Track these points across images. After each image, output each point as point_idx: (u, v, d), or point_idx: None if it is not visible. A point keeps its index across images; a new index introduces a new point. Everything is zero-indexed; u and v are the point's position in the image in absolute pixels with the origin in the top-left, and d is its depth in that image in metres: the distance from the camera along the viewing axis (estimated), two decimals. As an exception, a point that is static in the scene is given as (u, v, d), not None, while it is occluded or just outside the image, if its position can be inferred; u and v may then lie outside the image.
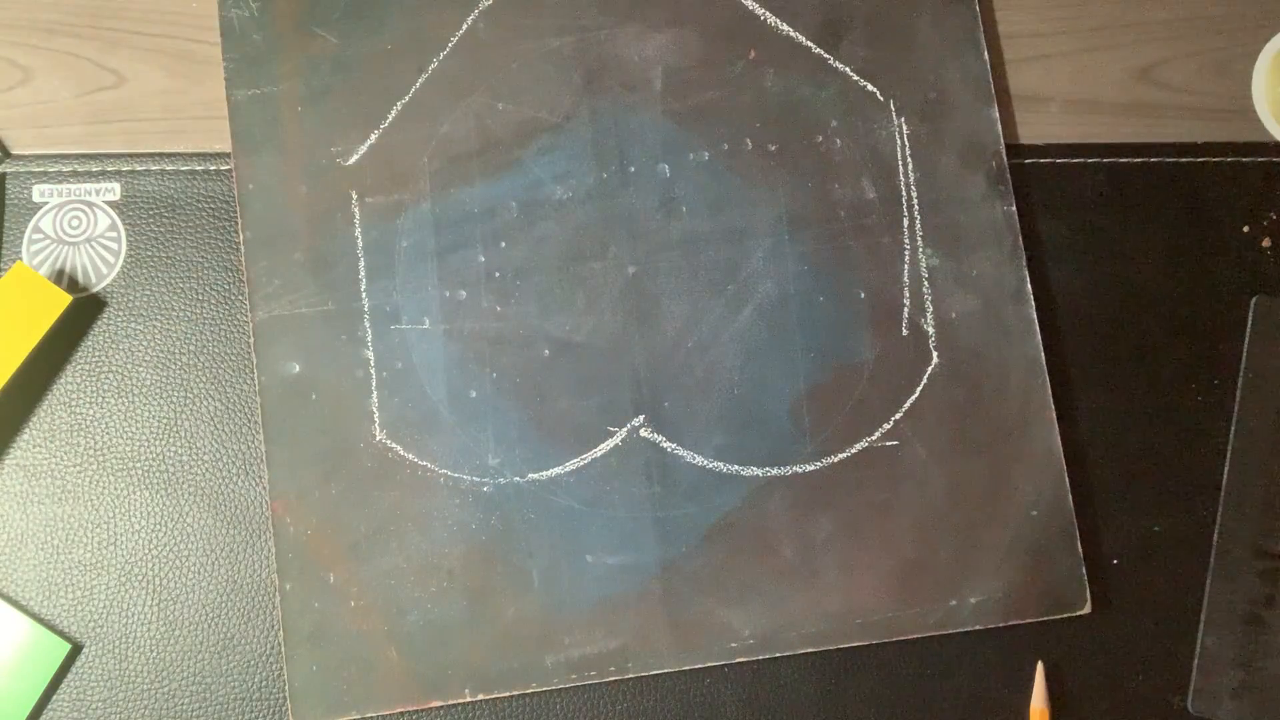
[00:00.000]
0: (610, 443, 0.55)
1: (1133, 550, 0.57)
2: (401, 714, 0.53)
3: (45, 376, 0.55)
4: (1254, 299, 0.59)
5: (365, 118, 0.56)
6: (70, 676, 0.53)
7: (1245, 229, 0.60)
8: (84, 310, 0.56)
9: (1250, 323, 0.59)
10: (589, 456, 0.55)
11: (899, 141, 0.58)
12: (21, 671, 0.52)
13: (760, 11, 0.58)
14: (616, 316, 0.56)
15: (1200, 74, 0.61)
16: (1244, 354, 0.58)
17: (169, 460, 0.55)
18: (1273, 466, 0.57)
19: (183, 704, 0.53)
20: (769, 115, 0.58)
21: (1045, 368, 0.56)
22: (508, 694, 0.53)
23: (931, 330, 0.56)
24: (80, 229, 0.56)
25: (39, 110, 0.57)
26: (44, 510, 0.54)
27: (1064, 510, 0.55)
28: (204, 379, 0.56)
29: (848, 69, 0.58)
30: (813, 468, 0.55)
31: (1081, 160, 0.60)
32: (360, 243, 0.55)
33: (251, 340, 0.55)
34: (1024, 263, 0.57)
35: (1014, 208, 0.58)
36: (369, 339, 0.55)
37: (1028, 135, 0.60)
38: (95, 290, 0.56)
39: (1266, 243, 0.60)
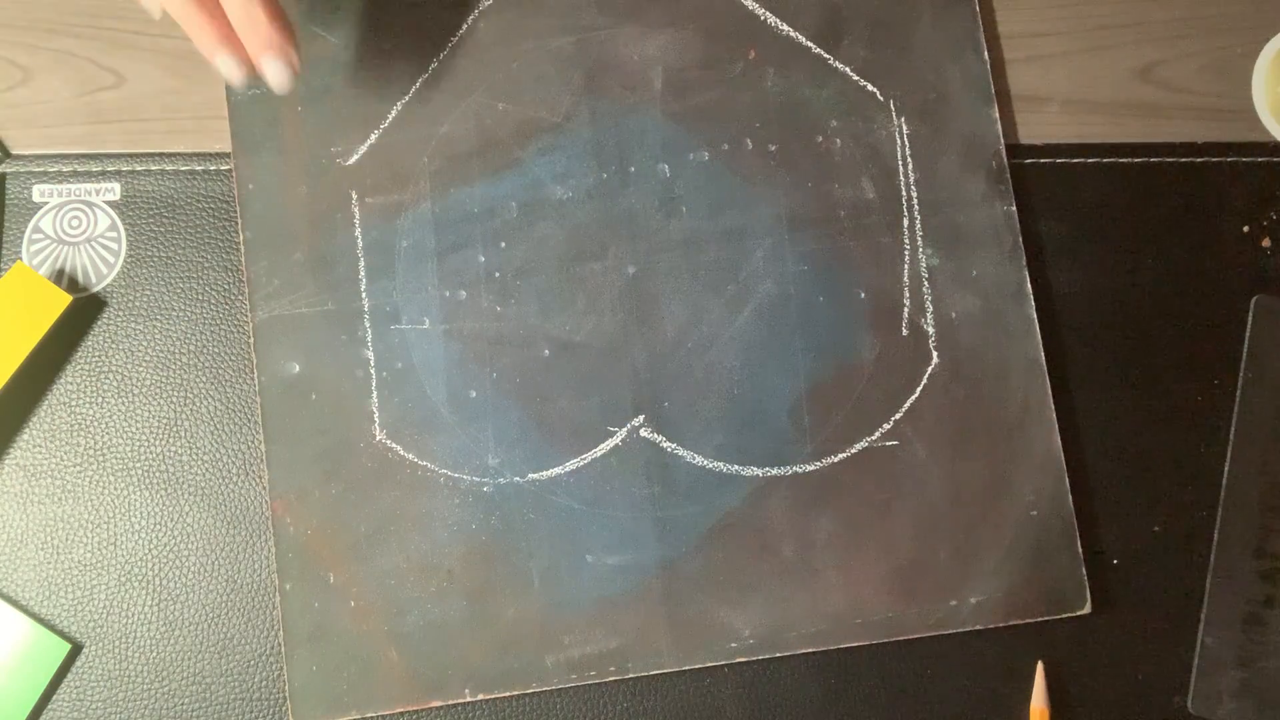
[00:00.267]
0: (610, 443, 0.55)
1: (1133, 550, 0.57)
2: (401, 714, 0.53)
3: (45, 376, 0.55)
4: (1254, 299, 0.59)
5: (365, 118, 0.56)
6: (70, 676, 0.53)
7: (1245, 229, 0.60)
8: (84, 310, 0.56)
9: (1250, 322, 0.59)
10: (589, 456, 0.55)
11: (899, 141, 0.58)
12: (21, 671, 0.52)
13: (760, 11, 0.58)
14: (616, 316, 0.56)
15: (1200, 74, 0.61)
16: (1244, 354, 0.58)
17: (169, 460, 0.55)
18: (1273, 467, 0.57)
19: (183, 704, 0.53)
20: (769, 115, 0.58)
21: (1045, 368, 0.56)
22: (508, 694, 0.53)
23: (931, 330, 0.56)
24: (80, 229, 0.56)
25: (39, 110, 0.57)
26: (44, 510, 0.54)
27: (1064, 510, 0.55)
28: (204, 379, 0.56)
29: (848, 69, 0.58)
30: (813, 468, 0.55)
31: (1081, 160, 0.60)
32: (360, 243, 0.55)
33: (251, 340, 0.55)
34: (1024, 263, 0.57)
35: (1014, 208, 0.58)
36: (369, 339, 0.55)
37: (1028, 135, 0.60)
38: (95, 290, 0.56)
39: (1266, 243, 0.60)
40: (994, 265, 0.57)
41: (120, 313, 0.56)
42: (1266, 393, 0.58)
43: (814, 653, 0.54)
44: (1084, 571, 0.55)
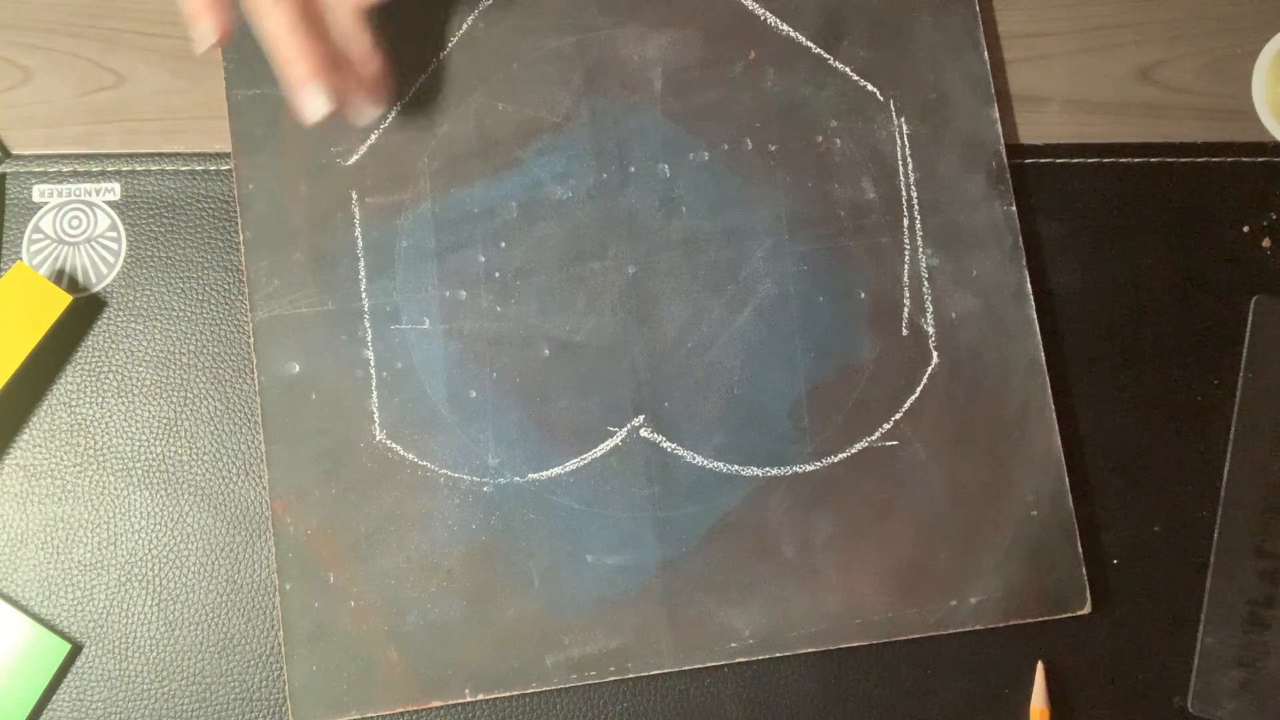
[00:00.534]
0: (610, 443, 0.55)
1: (1133, 550, 0.57)
2: (401, 714, 0.53)
3: (45, 376, 0.55)
4: (1254, 299, 0.59)
5: (365, 118, 0.56)
6: (70, 676, 0.53)
7: (1245, 229, 0.60)
8: (84, 310, 0.56)
9: (1250, 323, 0.59)
10: (589, 456, 0.55)
11: (899, 141, 0.58)
12: (21, 671, 0.52)
13: (760, 11, 0.58)
14: (616, 316, 0.56)
15: (1200, 74, 0.61)
16: (1244, 354, 0.58)
17: (169, 460, 0.55)
18: (1273, 466, 0.57)
19: (183, 704, 0.53)
20: (769, 115, 0.58)
21: (1045, 368, 0.56)
22: (508, 694, 0.53)
23: (931, 330, 0.56)
24: (80, 229, 0.56)
25: (39, 110, 0.57)
26: (44, 510, 0.54)
27: (1064, 510, 0.55)
28: (204, 379, 0.56)
29: (848, 69, 0.58)
30: (812, 468, 0.55)
31: (1081, 160, 0.60)
32: (360, 243, 0.55)
33: (251, 340, 0.55)
34: (1024, 263, 0.57)
35: (1014, 208, 0.58)
36: (369, 339, 0.55)
37: (1028, 135, 0.60)
38: (95, 290, 0.56)
39: (1266, 243, 0.60)
40: (994, 265, 0.57)
41: (120, 313, 0.56)
42: (1266, 393, 0.58)
43: (814, 653, 0.54)
44: (1084, 571, 0.55)
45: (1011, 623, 0.55)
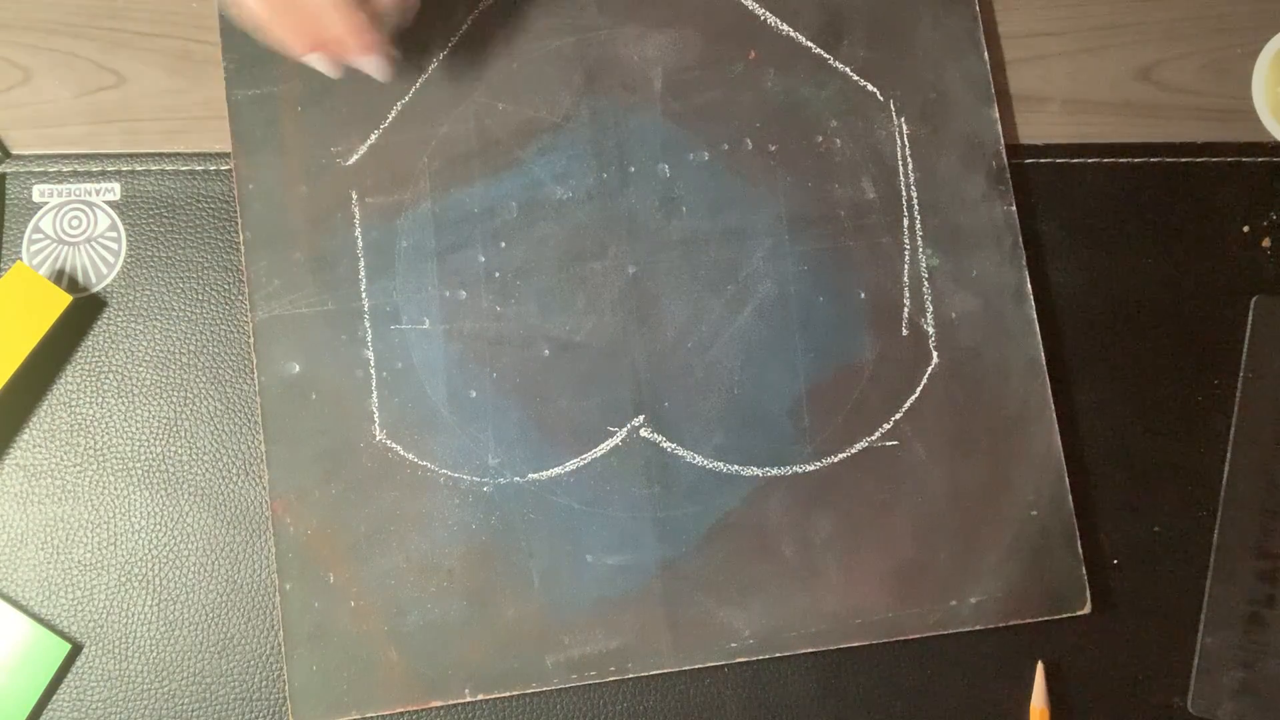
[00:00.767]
0: (610, 443, 0.55)
1: (1133, 550, 0.57)
2: (401, 714, 0.53)
3: (45, 376, 0.55)
4: (1254, 299, 0.59)
5: (365, 118, 0.56)
6: (70, 676, 0.53)
7: (1245, 229, 0.60)
8: (84, 310, 0.56)
9: (1250, 323, 0.59)
10: (589, 456, 0.55)
11: (899, 141, 0.58)
12: (21, 671, 0.52)
13: (760, 11, 0.58)
14: (616, 316, 0.56)
15: (1200, 74, 0.61)
16: (1244, 354, 0.58)
17: (169, 460, 0.55)
18: (1273, 466, 0.57)
19: (183, 704, 0.53)
20: (769, 115, 0.58)
21: (1045, 368, 0.56)
22: (508, 694, 0.53)
23: (931, 330, 0.56)
24: (80, 229, 0.56)
25: (39, 110, 0.57)
26: (44, 510, 0.54)
27: (1064, 510, 0.55)
28: (204, 379, 0.56)
29: (848, 69, 0.58)
30: (812, 468, 0.55)
31: (1081, 160, 0.60)
32: (360, 243, 0.55)
33: (251, 340, 0.55)
34: (1024, 263, 0.57)
35: (1014, 208, 0.58)
36: (369, 339, 0.55)
37: (1028, 135, 0.60)
38: (95, 290, 0.56)
39: (1266, 243, 0.60)
40: (994, 265, 0.57)
41: (120, 313, 0.56)
42: (1266, 393, 0.58)
43: (814, 653, 0.54)
44: (1084, 571, 0.55)
45: (1011, 623, 0.55)
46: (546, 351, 0.55)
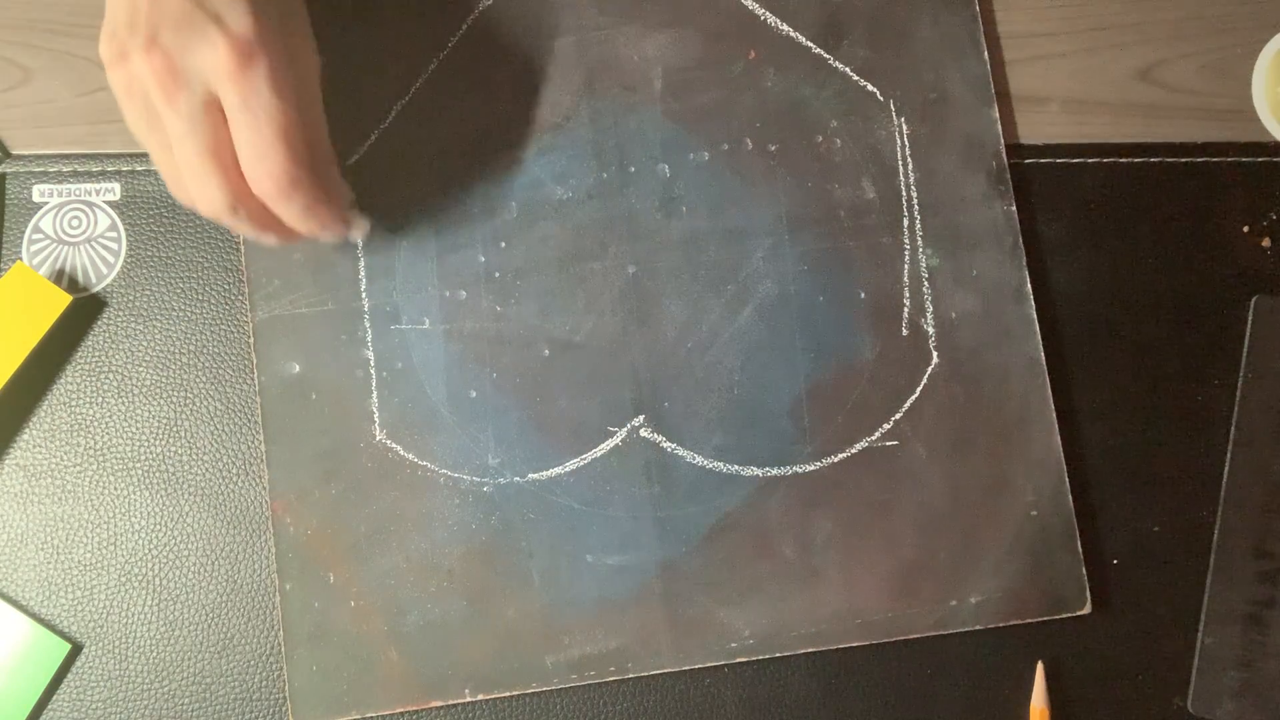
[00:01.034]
0: (610, 443, 0.55)
1: (1133, 550, 0.57)
2: (401, 714, 0.53)
3: (45, 376, 0.55)
4: (1254, 299, 0.59)
5: (365, 118, 0.56)
6: (70, 676, 0.53)
7: (1245, 229, 0.60)
8: (84, 310, 0.56)
9: (1250, 323, 0.59)
10: (589, 456, 0.55)
11: (899, 141, 0.58)
12: (21, 671, 0.52)
13: (760, 11, 0.58)
14: (616, 316, 0.56)
15: (1200, 74, 0.61)
16: (1244, 354, 0.58)
17: (169, 460, 0.55)
18: (1273, 466, 0.57)
19: (183, 704, 0.53)
20: (769, 115, 0.57)
21: (1045, 368, 0.56)
22: (508, 694, 0.53)
23: (931, 330, 0.56)
24: (80, 229, 0.56)
25: (39, 110, 0.57)
26: (44, 510, 0.54)
27: (1064, 510, 0.55)
28: (204, 379, 0.56)
29: (848, 69, 0.58)
30: (813, 468, 0.55)
31: (1081, 160, 0.60)
32: (360, 242, 0.55)
33: (251, 340, 0.55)
34: (1024, 263, 0.57)
35: (1014, 208, 0.58)
36: (369, 339, 0.55)
37: (1028, 135, 0.60)
38: (95, 290, 0.56)
39: (1266, 243, 0.60)
40: (994, 265, 0.57)
41: (120, 313, 0.56)
42: (1266, 393, 0.58)
43: (814, 653, 0.54)
44: (1084, 571, 0.55)
45: (1011, 623, 0.55)
46: (546, 351, 0.55)
